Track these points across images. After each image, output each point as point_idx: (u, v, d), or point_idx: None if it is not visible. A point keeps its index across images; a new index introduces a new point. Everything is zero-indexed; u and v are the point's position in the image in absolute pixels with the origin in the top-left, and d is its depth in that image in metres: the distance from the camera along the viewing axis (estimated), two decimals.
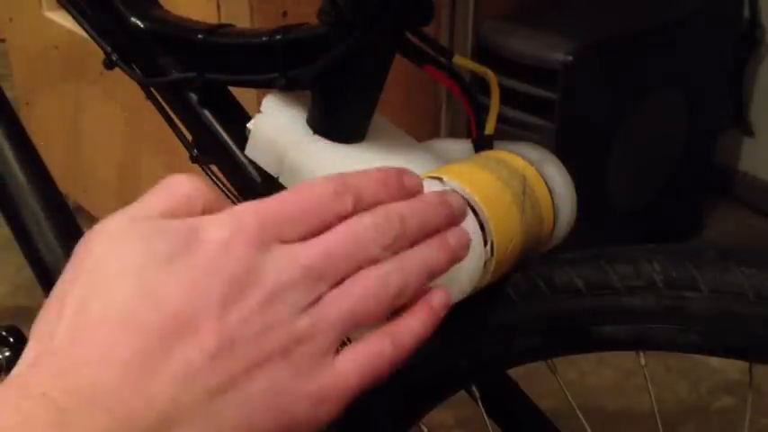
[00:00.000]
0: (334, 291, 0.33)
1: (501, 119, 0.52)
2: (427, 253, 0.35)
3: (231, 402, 0.30)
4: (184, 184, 0.34)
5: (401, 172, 0.36)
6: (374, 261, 0.33)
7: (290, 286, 0.31)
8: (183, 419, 0.29)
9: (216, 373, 0.30)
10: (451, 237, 0.37)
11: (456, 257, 0.37)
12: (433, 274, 0.35)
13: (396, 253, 0.34)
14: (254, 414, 0.30)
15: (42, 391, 0.28)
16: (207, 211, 0.34)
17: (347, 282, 0.33)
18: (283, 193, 0.34)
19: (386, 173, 0.36)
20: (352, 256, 0.33)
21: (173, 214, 0.33)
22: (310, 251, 0.32)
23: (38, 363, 0.30)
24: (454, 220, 0.37)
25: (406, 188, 0.36)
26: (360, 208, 0.34)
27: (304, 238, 0.33)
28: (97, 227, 0.33)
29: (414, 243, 0.35)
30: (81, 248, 0.32)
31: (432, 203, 0.36)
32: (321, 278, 0.32)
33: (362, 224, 0.34)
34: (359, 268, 0.33)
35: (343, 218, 0.34)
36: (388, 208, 0.34)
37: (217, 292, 0.30)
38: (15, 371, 0.30)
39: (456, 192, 0.44)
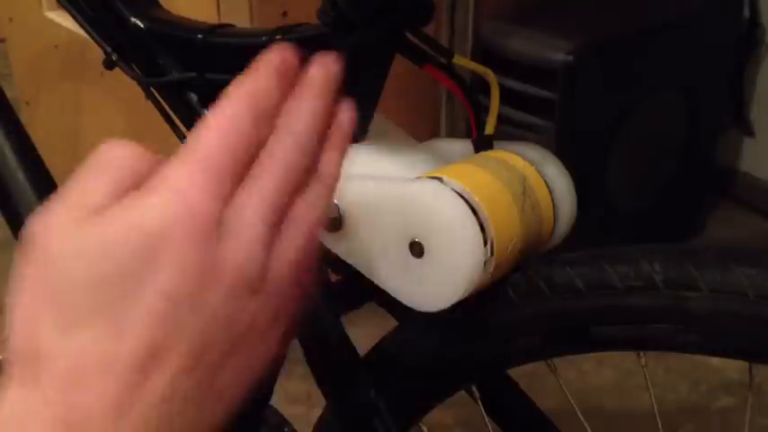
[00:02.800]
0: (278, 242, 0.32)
1: (501, 119, 0.52)
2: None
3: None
4: (126, 157, 0.32)
5: (278, 59, 0.35)
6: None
7: (246, 265, 0.30)
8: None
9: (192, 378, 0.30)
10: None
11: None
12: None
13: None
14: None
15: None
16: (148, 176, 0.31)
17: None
18: (208, 137, 0.32)
19: (270, 72, 0.35)
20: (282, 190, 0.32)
21: (118, 195, 0.30)
22: (257, 210, 0.31)
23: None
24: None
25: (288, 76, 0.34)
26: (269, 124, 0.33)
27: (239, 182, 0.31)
28: (39, 227, 0.30)
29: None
30: (29, 251, 0.30)
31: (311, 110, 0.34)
32: (269, 234, 0.31)
33: (285, 161, 0.32)
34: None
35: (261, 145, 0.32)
36: (294, 137, 0.33)
37: (181, 315, 0.29)
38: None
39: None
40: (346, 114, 0.35)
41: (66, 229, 0.30)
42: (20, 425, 0.28)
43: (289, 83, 0.34)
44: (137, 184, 0.31)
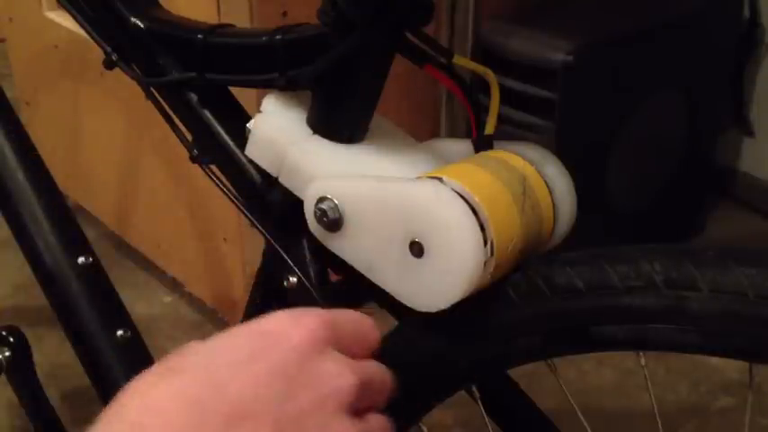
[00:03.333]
0: (372, 414, 0.39)
1: (501, 119, 0.52)
2: None
3: None
4: (317, 326, 0.38)
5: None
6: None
7: (342, 392, 0.36)
8: None
9: None
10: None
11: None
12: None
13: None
14: None
15: None
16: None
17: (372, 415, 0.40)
18: (345, 311, 0.41)
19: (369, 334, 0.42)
20: (378, 391, 0.40)
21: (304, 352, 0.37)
22: (361, 369, 0.38)
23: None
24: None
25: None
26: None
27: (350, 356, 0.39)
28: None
29: None
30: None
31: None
32: (362, 397, 0.37)
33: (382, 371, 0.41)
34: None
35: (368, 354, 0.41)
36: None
37: (277, 389, 0.34)
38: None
39: (459, 194, 0.44)
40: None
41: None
42: None
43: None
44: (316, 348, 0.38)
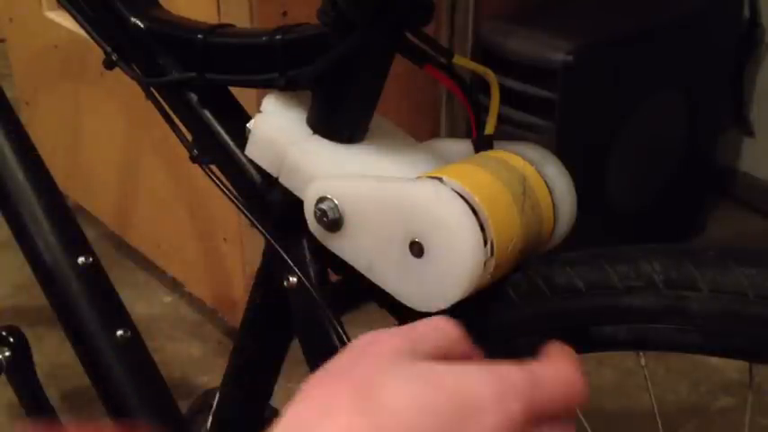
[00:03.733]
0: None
1: (501, 119, 0.52)
2: None
3: None
4: (453, 331, 0.36)
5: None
6: None
7: None
8: None
9: None
10: None
11: None
12: None
13: None
14: None
15: None
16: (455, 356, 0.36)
17: None
18: (551, 378, 0.34)
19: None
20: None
21: (436, 356, 0.34)
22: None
23: None
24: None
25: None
26: None
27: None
28: (371, 342, 0.34)
29: None
30: (347, 359, 0.33)
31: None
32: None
33: None
34: None
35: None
36: None
37: None
38: None
39: (463, 196, 0.44)
40: None
41: (399, 359, 0.32)
42: None
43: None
44: (449, 357, 0.35)
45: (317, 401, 0.31)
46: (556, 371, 0.35)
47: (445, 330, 0.36)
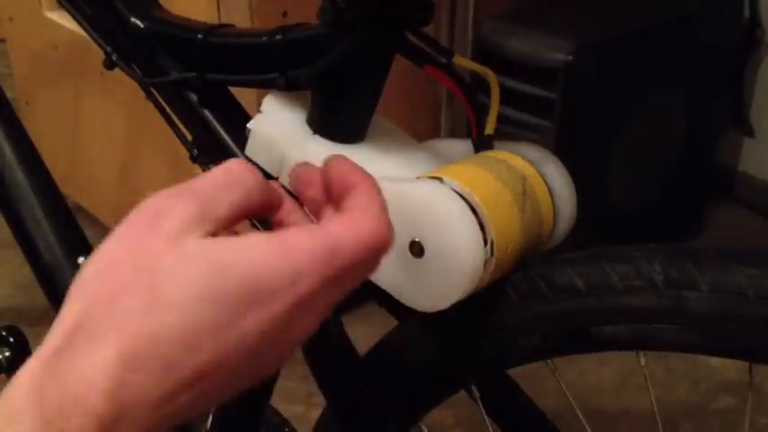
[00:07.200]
0: None
1: (501, 119, 0.52)
2: None
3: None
4: (250, 179, 0.34)
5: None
6: None
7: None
8: None
9: None
10: None
11: None
12: None
13: None
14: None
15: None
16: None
17: None
18: (352, 241, 0.31)
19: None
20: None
21: (233, 217, 0.32)
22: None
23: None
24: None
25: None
26: None
27: None
28: (159, 212, 0.32)
29: None
30: (133, 234, 0.32)
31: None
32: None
33: None
34: None
35: None
36: None
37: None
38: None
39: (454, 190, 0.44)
40: None
41: (183, 251, 0.30)
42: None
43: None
44: (249, 210, 0.33)
45: (106, 290, 0.30)
46: (358, 229, 0.31)
47: (240, 184, 0.33)
